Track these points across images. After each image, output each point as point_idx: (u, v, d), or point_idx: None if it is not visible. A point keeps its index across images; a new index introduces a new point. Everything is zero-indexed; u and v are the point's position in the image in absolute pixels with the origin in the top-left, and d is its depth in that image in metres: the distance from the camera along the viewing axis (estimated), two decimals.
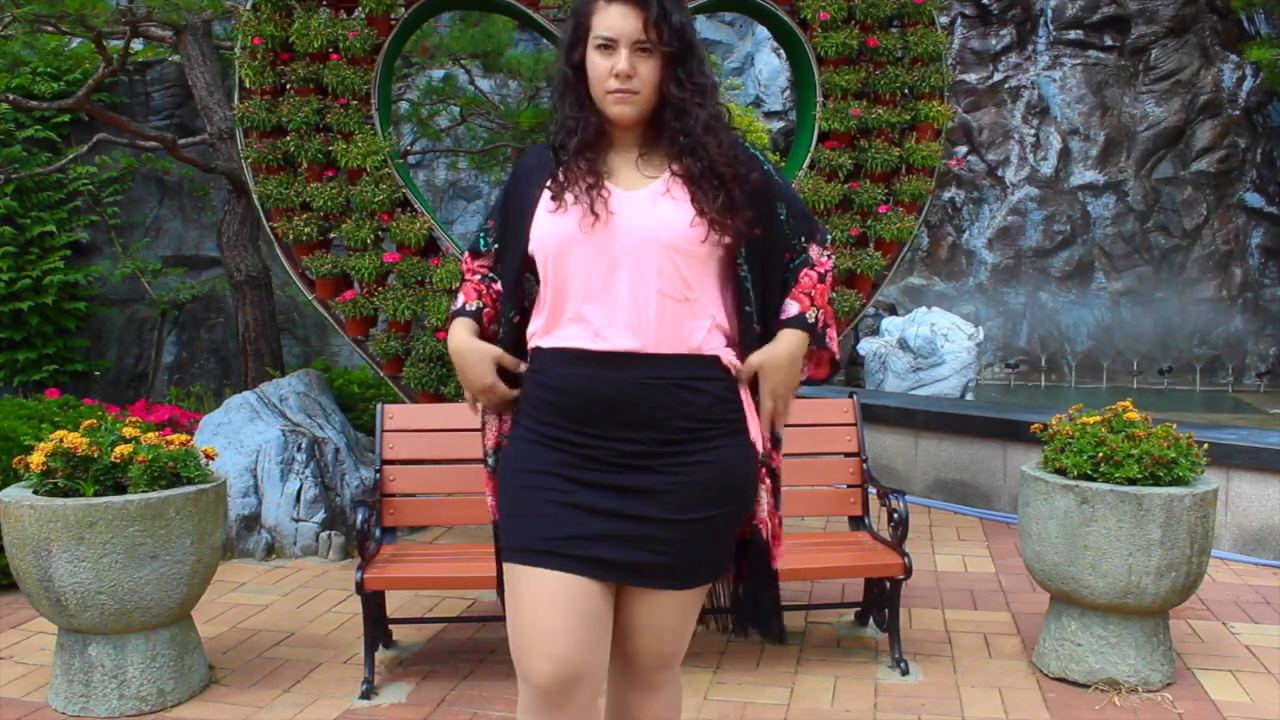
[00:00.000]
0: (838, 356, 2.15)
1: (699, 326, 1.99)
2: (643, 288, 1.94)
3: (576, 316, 1.97)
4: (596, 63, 1.95)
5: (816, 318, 2.08)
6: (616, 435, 1.95)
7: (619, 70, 1.92)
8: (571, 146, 1.99)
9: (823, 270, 2.12)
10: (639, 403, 1.94)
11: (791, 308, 2.08)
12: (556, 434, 1.98)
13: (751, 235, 2.01)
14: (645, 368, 1.95)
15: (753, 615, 2.19)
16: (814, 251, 2.13)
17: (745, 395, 2.05)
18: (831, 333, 2.13)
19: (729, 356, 2.03)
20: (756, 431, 2.06)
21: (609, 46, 1.93)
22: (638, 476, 1.96)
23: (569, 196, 1.96)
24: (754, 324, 2.05)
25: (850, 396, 4.15)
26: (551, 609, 1.93)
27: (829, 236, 2.19)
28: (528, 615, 1.94)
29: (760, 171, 2.03)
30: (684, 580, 2.02)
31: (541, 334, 2.02)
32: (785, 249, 2.10)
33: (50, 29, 6.42)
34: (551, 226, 1.98)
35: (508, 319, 2.10)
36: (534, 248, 2.01)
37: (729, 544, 2.08)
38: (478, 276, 2.17)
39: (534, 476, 1.99)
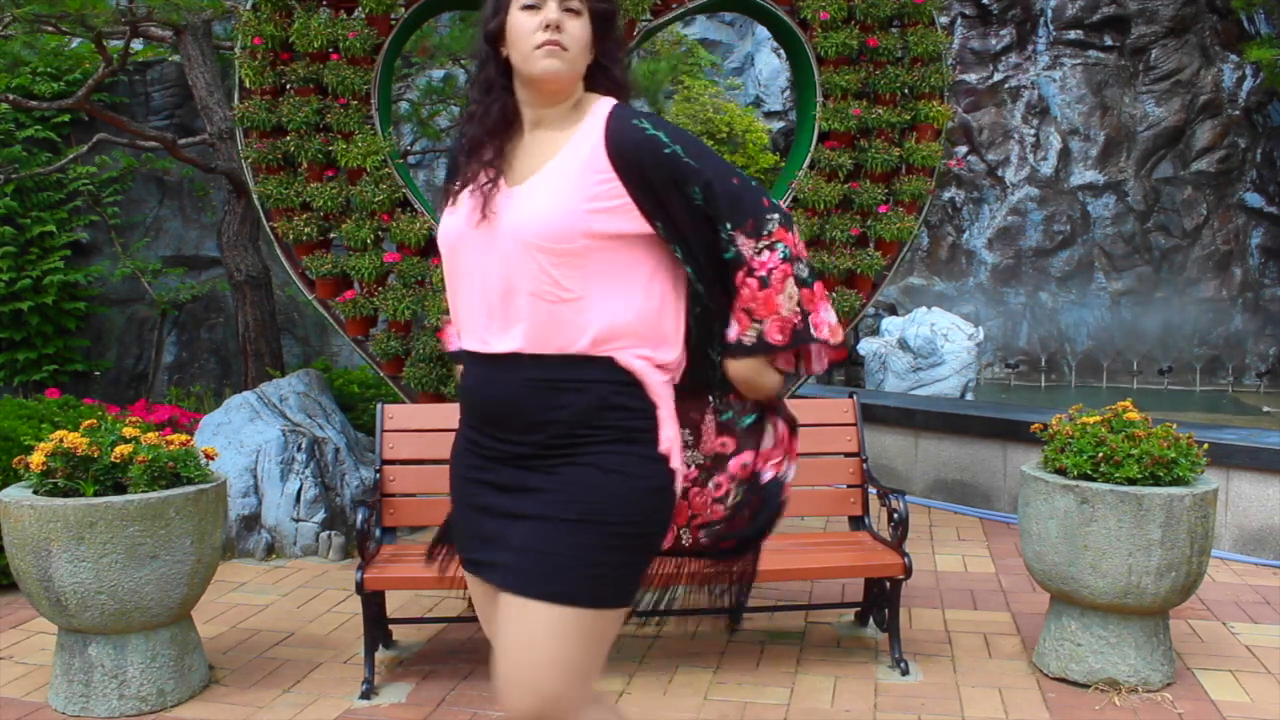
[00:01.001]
0: (833, 341, 1.91)
1: (585, 326, 1.82)
2: (518, 288, 1.83)
3: (470, 316, 1.91)
4: (521, 21, 1.82)
5: (759, 335, 1.86)
6: (507, 437, 1.88)
7: (550, 19, 1.80)
8: (472, 136, 1.90)
9: (765, 273, 1.84)
10: (523, 404, 1.86)
11: (730, 330, 1.89)
12: (471, 435, 1.96)
13: (654, 225, 1.84)
14: (528, 369, 1.85)
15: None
16: (744, 246, 1.85)
17: (661, 403, 1.87)
18: (815, 320, 1.88)
19: (627, 358, 1.85)
20: (670, 444, 1.87)
21: (533, 6, 1.82)
22: (527, 477, 1.87)
23: (464, 192, 1.89)
24: (714, 325, 1.93)
25: (850, 396, 4.15)
26: (480, 608, 2.04)
27: (773, 220, 1.86)
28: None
29: (661, 155, 1.82)
30: (524, 584, 1.80)
31: (458, 333, 2.01)
32: (714, 240, 1.88)
33: (50, 29, 6.41)
34: (445, 225, 1.92)
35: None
36: (439, 246, 1.96)
37: (597, 565, 1.80)
38: None
39: (456, 479, 2.00)
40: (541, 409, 1.84)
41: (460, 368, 2.04)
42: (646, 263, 1.86)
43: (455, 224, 1.90)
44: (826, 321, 1.89)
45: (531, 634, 1.78)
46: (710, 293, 1.90)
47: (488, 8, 1.89)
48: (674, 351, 1.91)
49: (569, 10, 1.82)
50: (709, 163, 1.85)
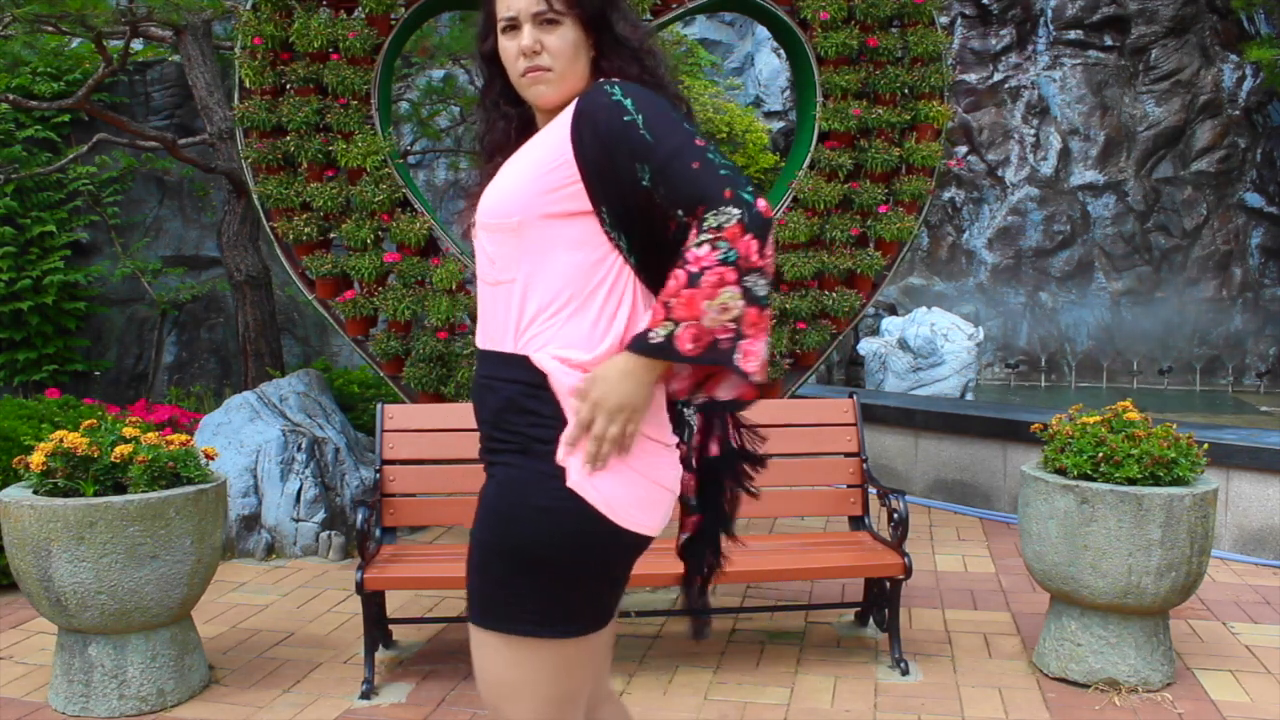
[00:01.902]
0: (755, 377, 1.62)
1: (512, 315, 1.74)
2: (478, 274, 1.83)
3: None
4: (506, 48, 1.79)
5: (668, 336, 1.59)
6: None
7: (524, 47, 1.75)
8: (486, 147, 1.90)
9: (697, 269, 1.57)
10: (474, 402, 1.84)
11: (643, 320, 1.68)
12: None
13: (598, 209, 1.69)
14: (480, 364, 1.83)
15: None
16: (690, 236, 1.62)
17: (569, 411, 1.69)
18: (746, 346, 1.60)
19: (542, 358, 1.71)
20: (570, 457, 1.68)
21: (513, 26, 1.77)
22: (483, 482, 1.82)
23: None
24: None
25: (850, 396, 4.15)
26: None
27: (728, 215, 1.58)
28: None
29: (618, 122, 1.66)
30: (472, 610, 1.79)
31: None
32: (664, 221, 1.70)
33: (50, 29, 6.41)
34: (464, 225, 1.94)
35: None
36: None
37: (506, 590, 1.72)
38: None
39: None
40: (478, 408, 1.82)
41: None
42: (585, 249, 1.71)
43: (464, 226, 1.91)
44: (757, 354, 1.61)
45: (481, 656, 1.79)
46: (647, 279, 1.76)
47: (480, 27, 1.86)
48: (602, 351, 1.70)
49: (546, 23, 1.74)
50: (671, 140, 1.64)
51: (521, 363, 1.72)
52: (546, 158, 1.73)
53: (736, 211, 1.59)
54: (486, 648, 1.77)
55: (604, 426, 1.64)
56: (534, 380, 1.71)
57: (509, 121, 1.88)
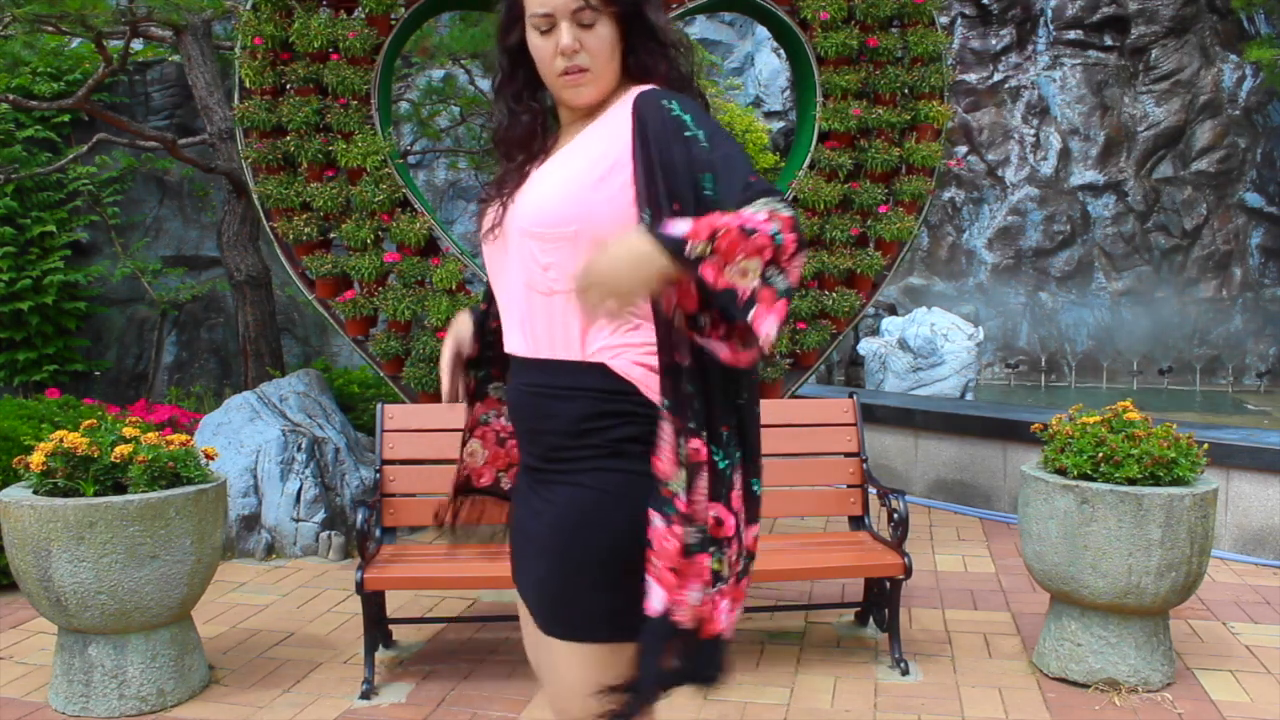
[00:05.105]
0: (760, 339, 1.55)
1: (573, 324, 1.69)
2: (518, 281, 1.75)
3: (501, 315, 1.88)
4: (539, 46, 1.72)
5: (701, 256, 1.50)
6: (523, 448, 1.84)
7: (563, 46, 1.68)
8: (505, 142, 1.83)
9: (749, 225, 1.51)
10: (524, 413, 1.79)
11: (673, 222, 1.56)
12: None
13: (641, 214, 1.64)
14: (528, 374, 1.77)
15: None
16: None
17: (664, 416, 1.62)
18: (759, 310, 1.53)
19: (621, 364, 1.69)
20: (664, 458, 1.62)
21: (547, 24, 1.70)
22: (540, 491, 1.77)
23: (498, 190, 1.83)
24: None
25: (850, 396, 4.15)
26: (523, 624, 1.96)
27: (787, 210, 1.57)
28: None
29: (681, 138, 1.64)
30: (548, 623, 1.75)
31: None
32: None
33: (50, 29, 6.41)
34: (486, 219, 1.86)
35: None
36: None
37: (607, 596, 1.67)
38: None
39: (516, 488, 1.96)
40: (536, 417, 1.76)
41: (467, 349, 2.05)
42: None
43: (485, 225, 1.83)
44: (766, 327, 1.54)
45: (554, 664, 1.77)
46: None
47: (501, 18, 1.79)
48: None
49: (583, 25, 1.69)
50: (728, 152, 1.65)
51: (598, 370, 1.68)
52: (601, 164, 1.68)
53: (790, 212, 1.58)
54: (585, 665, 1.71)
55: (596, 300, 1.56)
56: (615, 387, 1.68)
57: (535, 116, 1.81)
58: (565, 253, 1.67)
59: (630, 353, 1.68)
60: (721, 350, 1.62)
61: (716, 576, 1.63)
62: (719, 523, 1.63)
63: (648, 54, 1.74)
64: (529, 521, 1.80)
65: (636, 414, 1.66)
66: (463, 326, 2.02)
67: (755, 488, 1.72)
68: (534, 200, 1.72)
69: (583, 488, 1.69)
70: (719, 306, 1.57)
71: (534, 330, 1.74)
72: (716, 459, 1.64)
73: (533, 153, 1.81)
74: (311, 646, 3.94)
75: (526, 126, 1.81)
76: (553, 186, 1.70)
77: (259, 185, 5.00)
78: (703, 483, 1.62)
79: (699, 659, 1.66)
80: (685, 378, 1.62)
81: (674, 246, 1.52)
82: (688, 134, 1.64)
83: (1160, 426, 3.57)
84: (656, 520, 1.60)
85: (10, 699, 3.47)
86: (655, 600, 1.60)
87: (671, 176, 1.63)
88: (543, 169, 1.75)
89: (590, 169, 1.68)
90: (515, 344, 1.80)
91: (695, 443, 1.61)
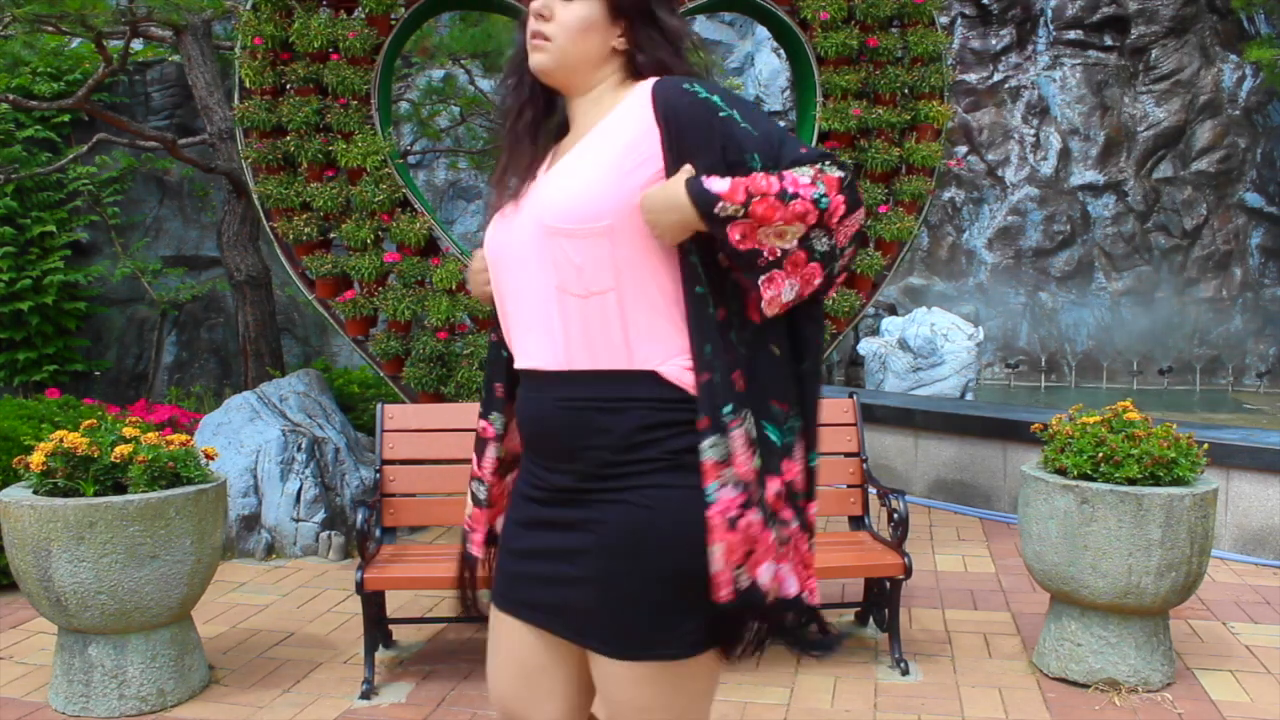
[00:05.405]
0: (765, 307, 1.57)
1: (614, 329, 1.60)
2: (544, 285, 1.63)
3: (510, 325, 1.74)
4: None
5: (731, 217, 1.51)
6: (551, 466, 1.69)
7: (534, 6, 1.65)
8: (509, 135, 1.76)
9: (790, 189, 1.51)
10: (558, 430, 1.65)
11: (713, 179, 1.54)
12: (525, 463, 1.78)
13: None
14: (561, 388, 1.65)
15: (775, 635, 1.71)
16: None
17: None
18: (777, 275, 1.55)
19: (673, 370, 1.61)
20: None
21: None
22: (574, 510, 1.66)
23: (505, 194, 1.74)
24: (709, 308, 1.59)
25: (850, 396, 4.15)
26: (495, 651, 1.83)
27: (837, 170, 1.56)
28: (488, 656, 1.87)
29: (716, 119, 1.59)
30: (615, 647, 1.64)
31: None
32: None
33: (50, 29, 6.42)
34: (489, 231, 1.76)
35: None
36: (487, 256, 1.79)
37: (676, 613, 1.62)
38: None
39: (511, 506, 1.82)
40: (576, 434, 1.64)
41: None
42: (676, 248, 1.61)
43: (491, 229, 1.74)
44: (774, 291, 1.57)
45: (641, 694, 1.66)
46: (719, 284, 1.62)
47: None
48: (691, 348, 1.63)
49: None
50: (767, 126, 1.62)
51: (649, 379, 1.60)
52: (629, 155, 1.61)
53: (841, 172, 1.56)
54: (655, 682, 1.64)
55: (654, 231, 1.57)
56: (667, 396, 1.60)
57: (536, 104, 1.75)
58: (602, 249, 1.58)
59: (680, 358, 1.61)
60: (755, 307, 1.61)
61: (782, 542, 1.62)
62: (777, 496, 1.62)
63: (655, 51, 1.68)
64: (549, 537, 1.70)
65: (690, 423, 1.59)
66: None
67: (812, 461, 1.69)
68: (559, 196, 1.62)
69: (638, 506, 1.60)
70: (740, 264, 1.55)
71: (569, 338, 1.63)
72: (769, 433, 1.62)
73: (538, 148, 1.74)
74: (311, 646, 3.94)
75: (529, 118, 1.75)
76: (579, 181, 1.61)
77: (259, 185, 5.00)
78: (753, 455, 1.59)
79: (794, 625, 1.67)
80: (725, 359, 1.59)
81: (705, 203, 1.51)
82: (722, 114, 1.59)
83: (1160, 426, 3.57)
84: (728, 497, 1.56)
85: (10, 699, 3.47)
86: (764, 577, 1.58)
87: (710, 160, 1.57)
88: (559, 165, 1.67)
89: (617, 161, 1.60)
90: (540, 356, 1.67)
91: (741, 423, 1.59)
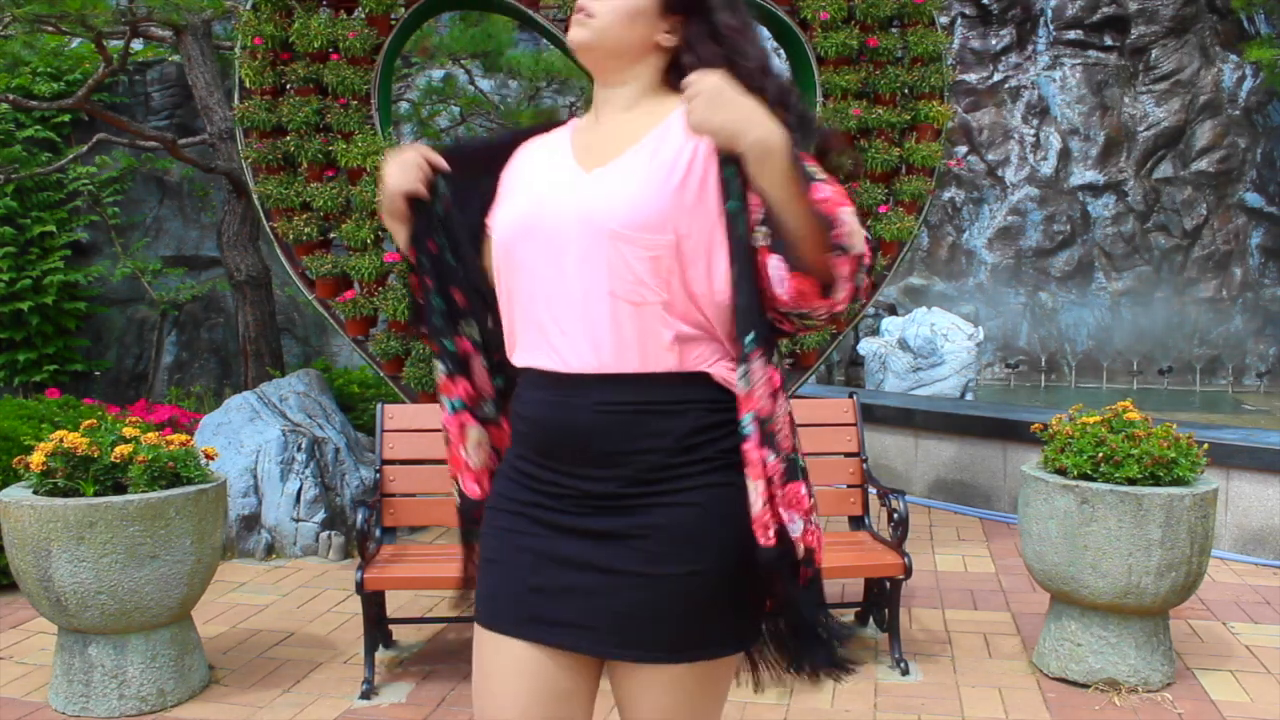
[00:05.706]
0: (853, 256, 1.56)
1: (671, 335, 1.56)
2: (591, 286, 1.56)
3: (530, 323, 1.63)
4: None
5: (814, 175, 1.50)
6: (581, 473, 1.59)
7: None
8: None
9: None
10: (597, 434, 1.57)
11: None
12: (527, 468, 1.65)
13: (724, 206, 1.54)
14: (600, 390, 1.57)
15: (794, 647, 1.76)
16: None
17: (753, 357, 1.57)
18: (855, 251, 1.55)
19: (720, 372, 1.59)
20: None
21: None
22: (609, 519, 1.59)
23: (522, 182, 1.67)
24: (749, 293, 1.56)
25: (850, 396, 4.15)
26: (499, 680, 1.65)
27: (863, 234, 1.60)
28: (480, 685, 1.68)
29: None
30: (666, 650, 1.60)
31: (509, 348, 1.68)
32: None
33: (50, 29, 6.42)
34: (502, 217, 1.67)
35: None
36: (493, 242, 1.69)
37: (727, 610, 1.62)
38: None
39: (503, 516, 1.68)
40: (622, 438, 1.57)
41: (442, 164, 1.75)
42: (716, 247, 1.57)
43: (513, 215, 1.64)
44: (845, 271, 1.60)
45: (681, 700, 1.65)
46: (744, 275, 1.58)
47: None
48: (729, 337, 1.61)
49: None
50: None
51: (702, 380, 1.58)
52: (676, 170, 1.55)
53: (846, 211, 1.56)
54: (694, 682, 1.65)
55: (699, 108, 1.48)
56: (716, 397, 1.58)
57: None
58: (665, 263, 1.53)
59: (725, 361, 1.60)
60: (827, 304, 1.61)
61: (814, 509, 1.66)
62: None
63: (704, 51, 1.61)
64: (586, 553, 1.60)
65: (736, 423, 1.57)
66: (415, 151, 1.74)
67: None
68: (619, 201, 1.55)
69: (690, 505, 1.58)
70: (823, 225, 1.51)
71: (621, 341, 1.56)
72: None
73: (586, 127, 1.69)
74: (311, 646, 3.94)
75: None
76: (641, 190, 1.55)
77: (259, 185, 5.00)
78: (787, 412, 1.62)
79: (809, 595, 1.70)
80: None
81: (801, 169, 1.49)
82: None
83: (1160, 426, 3.57)
84: (768, 455, 1.57)
85: (10, 699, 3.47)
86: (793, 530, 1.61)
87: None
88: (614, 168, 1.59)
89: (668, 175, 1.55)
90: (578, 358, 1.58)
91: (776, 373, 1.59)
